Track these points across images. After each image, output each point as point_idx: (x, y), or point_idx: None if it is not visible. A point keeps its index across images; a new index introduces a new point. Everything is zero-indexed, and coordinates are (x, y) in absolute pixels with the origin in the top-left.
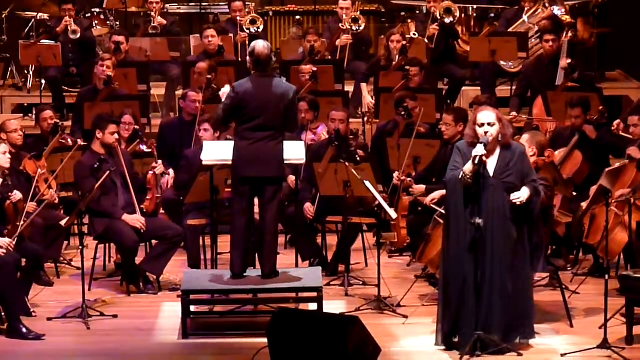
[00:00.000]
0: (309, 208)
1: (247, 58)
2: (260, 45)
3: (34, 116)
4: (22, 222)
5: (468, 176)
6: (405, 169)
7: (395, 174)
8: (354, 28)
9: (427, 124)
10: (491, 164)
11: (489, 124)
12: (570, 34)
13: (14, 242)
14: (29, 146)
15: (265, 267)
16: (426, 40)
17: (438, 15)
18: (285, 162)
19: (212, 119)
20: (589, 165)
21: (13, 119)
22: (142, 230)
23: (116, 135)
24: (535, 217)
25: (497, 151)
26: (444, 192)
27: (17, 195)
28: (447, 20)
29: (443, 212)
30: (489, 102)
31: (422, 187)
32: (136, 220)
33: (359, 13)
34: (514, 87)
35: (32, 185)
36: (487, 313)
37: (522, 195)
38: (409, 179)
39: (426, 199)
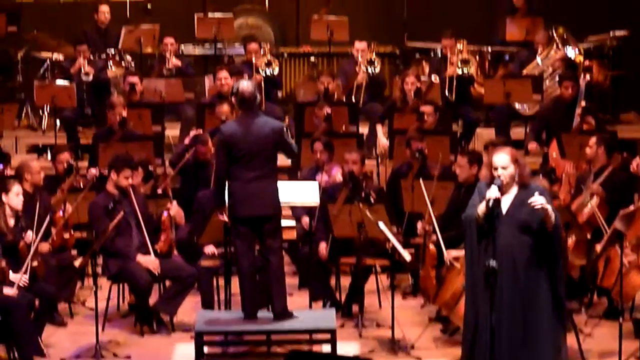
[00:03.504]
0: (324, 249)
1: (232, 98)
2: (244, 84)
3: (49, 156)
4: (35, 262)
5: (480, 217)
6: (428, 217)
7: (419, 224)
8: (369, 70)
9: (442, 165)
10: (506, 202)
11: (502, 168)
12: (587, 77)
13: (27, 280)
14: (43, 185)
15: (275, 307)
16: (446, 93)
17: (459, 71)
18: (299, 204)
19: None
20: (606, 208)
21: (30, 160)
22: (156, 273)
23: (130, 180)
24: (558, 254)
25: (515, 190)
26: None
27: (29, 236)
28: (465, 71)
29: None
30: (503, 145)
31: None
32: (150, 262)
33: (374, 55)
34: (528, 129)
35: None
36: (499, 357)
37: (540, 199)
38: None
39: (445, 253)
